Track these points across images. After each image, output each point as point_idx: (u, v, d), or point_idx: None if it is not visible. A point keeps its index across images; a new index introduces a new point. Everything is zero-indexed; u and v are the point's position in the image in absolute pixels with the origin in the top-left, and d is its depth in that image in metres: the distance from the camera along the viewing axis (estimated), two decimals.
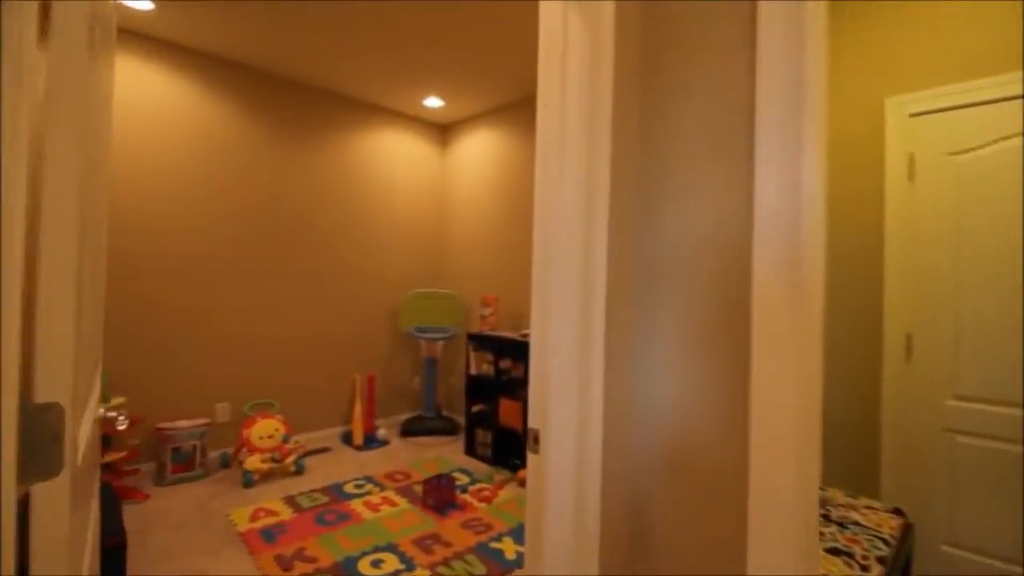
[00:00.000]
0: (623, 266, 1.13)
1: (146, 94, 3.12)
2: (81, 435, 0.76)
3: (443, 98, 3.99)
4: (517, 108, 4.04)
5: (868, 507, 1.92)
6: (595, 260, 1.04)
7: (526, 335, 3.45)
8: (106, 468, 2.74)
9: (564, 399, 1.03)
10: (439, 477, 2.90)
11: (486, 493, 3.01)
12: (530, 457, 1.07)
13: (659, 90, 1.12)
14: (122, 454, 2.77)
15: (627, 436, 1.16)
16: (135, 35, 3.05)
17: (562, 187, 1.04)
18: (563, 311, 1.02)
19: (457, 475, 3.32)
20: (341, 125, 4.03)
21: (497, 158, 4.21)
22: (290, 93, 3.74)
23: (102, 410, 1.16)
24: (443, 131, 4.73)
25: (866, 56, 2.28)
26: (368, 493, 3.00)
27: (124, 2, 2.70)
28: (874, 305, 2.24)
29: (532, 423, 1.07)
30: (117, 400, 2.81)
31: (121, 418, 1.19)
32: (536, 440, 1.05)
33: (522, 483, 3.19)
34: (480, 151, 4.37)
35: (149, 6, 2.75)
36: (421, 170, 4.60)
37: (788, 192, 0.88)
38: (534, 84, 3.67)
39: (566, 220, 1.03)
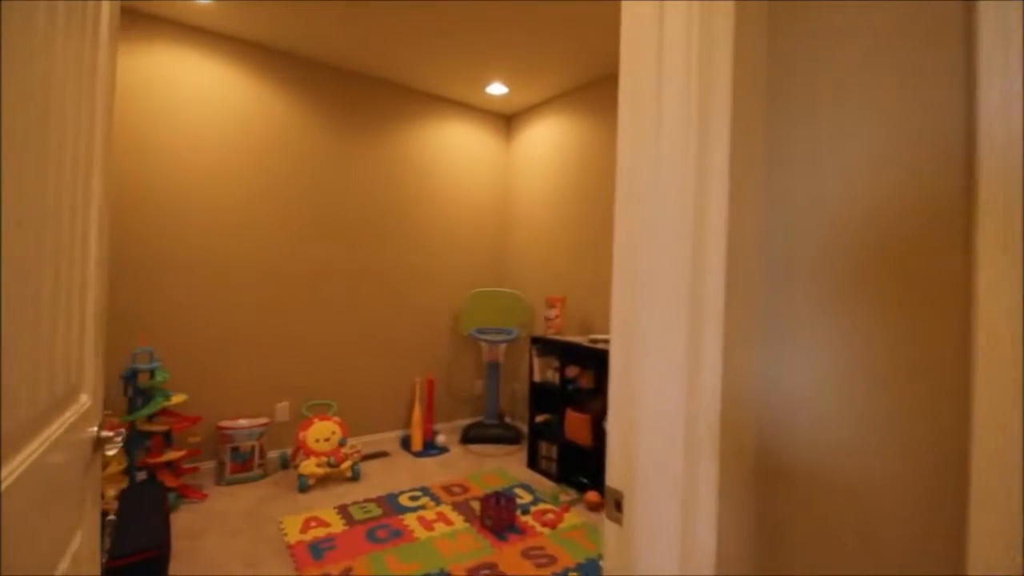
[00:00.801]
0: (744, 248, 0.79)
1: (211, 90, 3.10)
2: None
3: (507, 84, 3.73)
4: (587, 91, 3.69)
5: None
6: (709, 238, 0.71)
7: (595, 341, 3.11)
8: (167, 466, 2.73)
9: (663, 448, 0.71)
10: (498, 495, 2.64)
11: (550, 516, 2.71)
12: (609, 527, 0.76)
13: None
14: (181, 453, 2.74)
15: (751, 486, 0.82)
16: (195, 29, 3.04)
17: (658, 144, 0.73)
18: (661, 322, 0.70)
19: (518, 492, 3.04)
20: (402, 118, 3.88)
21: (564, 148, 3.89)
22: (348, 84, 3.63)
23: (94, 429, 0.99)
24: (507, 122, 4.48)
25: None
26: (423, 507, 2.79)
27: None
28: None
29: (612, 481, 0.76)
30: (178, 398, 2.79)
31: (118, 440, 1.01)
32: (619, 506, 0.74)
33: (591, 507, 2.85)
34: (546, 142, 4.06)
35: (207, 0, 2.71)
36: (484, 163, 4.37)
37: None
38: (606, 62, 3.32)
39: (664, 187, 0.70)
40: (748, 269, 0.81)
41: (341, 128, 3.61)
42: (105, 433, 1.00)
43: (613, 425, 0.78)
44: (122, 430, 1.02)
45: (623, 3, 0.80)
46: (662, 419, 0.71)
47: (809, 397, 0.76)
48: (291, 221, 3.42)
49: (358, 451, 3.23)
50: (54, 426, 0.79)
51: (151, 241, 2.94)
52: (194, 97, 3.05)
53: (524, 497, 2.97)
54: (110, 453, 0.97)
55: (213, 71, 3.11)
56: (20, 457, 0.67)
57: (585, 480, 3.11)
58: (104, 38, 0.99)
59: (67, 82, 0.78)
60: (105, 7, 0.99)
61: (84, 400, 0.95)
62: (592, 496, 2.87)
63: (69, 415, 0.86)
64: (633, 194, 0.77)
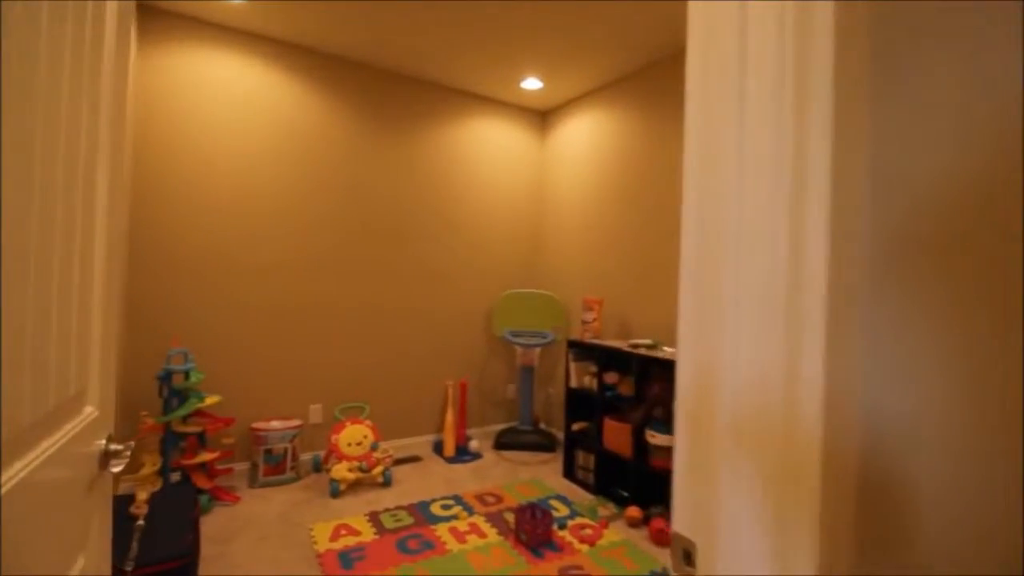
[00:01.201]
0: (846, 247, 0.64)
1: (249, 92, 3.10)
2: None
3: (542, 78, 3.60)
4: (627, 82, 3.52)
5: None
6: (808, 239, 0.57)
7: (636, 345, 2.94)
8: (200, 468, 2.72)
9: (753, 491, 0.56)
10: (534, 508, 2.51)
11: (588, 532, 2.56)
12: None
13: None
14: (215, 454, 2.73)
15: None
16: (227, 29, 3.04)
17: (742, 142, 0.59)
18: (749, 335, 0.56)
19: (554, 503, 2.90)
20: (434, 116, 3.81)
21: (603, 144, 3.73)
22: (381, 83, 3.58)
23: (102, 441, 0.91)
24: (542, 118, 4.35)
25: None
26: (455, 517, 2.69)
27: None
28: None
29: (682, 527, 0.62)
30: (212, 399, 2.78)
31: (127, 453, 0.94)
32: (689, 559, 0.60)
33: (632, 523, 2.68)
34: (582, 138, 3.91)
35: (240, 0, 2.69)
36: (518, 161, 4.25)
37: None
38: (649, 50, 3.14)
39: (752, 189, 0.57)
40: (850, 271, 0.66)
41: (374, 128, 3.56)
42: (114, 446, 0.93)
43: (681, 459, 0.64)
44: (131, 443, 0.94)
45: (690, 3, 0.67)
46: (753, 453, 0.57)
47: (921, 417, 0.60)
48: (326, 222, 3.39)
49: (390, 456, 3.16)
50: (46, 442, 0.71)
51: (187, 242, 2.95)
52: (228, 99, 3.05)
53: (560, 510, 2.82)
54: (115, 470, 0.89)
55: (245, 71, 3.11)
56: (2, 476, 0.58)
57: (625, 493, 2.94)
58: (110, 37, 0.91)
59: (60, 80, 0.70)
60: (111, 7, 0.92)
61: (89, 411, 0.87)
62: (633, 511, 2.70)
63: (69, 428, 0.78)
64: (709, 194, 0.63)
